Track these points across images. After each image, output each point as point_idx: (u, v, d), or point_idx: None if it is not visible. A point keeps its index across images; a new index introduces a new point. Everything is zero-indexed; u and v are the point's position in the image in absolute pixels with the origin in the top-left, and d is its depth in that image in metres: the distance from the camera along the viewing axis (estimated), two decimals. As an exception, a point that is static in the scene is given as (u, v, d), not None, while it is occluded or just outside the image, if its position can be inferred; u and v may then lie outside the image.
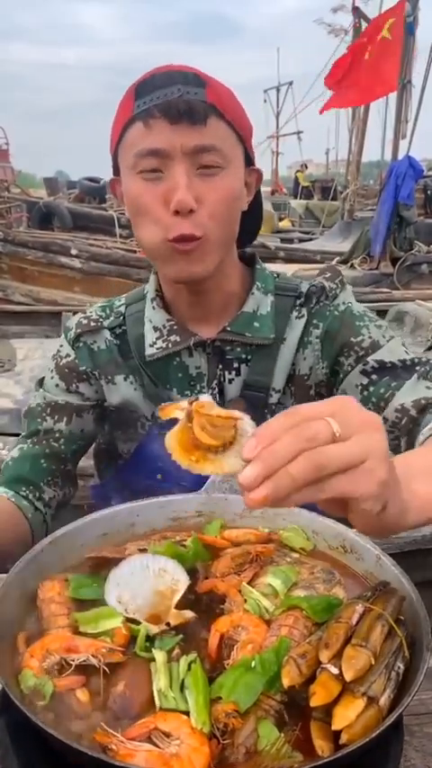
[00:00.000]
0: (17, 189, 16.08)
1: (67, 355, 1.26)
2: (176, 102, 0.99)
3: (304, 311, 1.20)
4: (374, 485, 0.60)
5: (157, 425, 1.22)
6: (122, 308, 1.27)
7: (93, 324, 1.25)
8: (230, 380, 1.19)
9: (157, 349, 1.18)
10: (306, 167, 23.53)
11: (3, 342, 5.51)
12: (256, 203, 1.20)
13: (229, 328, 1.16)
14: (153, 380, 1.21)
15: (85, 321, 1.26)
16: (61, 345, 1.28)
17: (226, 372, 1.19)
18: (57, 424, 1.22)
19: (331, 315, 1.19)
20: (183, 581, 0.83)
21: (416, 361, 1.14)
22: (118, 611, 0.79)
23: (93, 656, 0.70)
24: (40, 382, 1.29)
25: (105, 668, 0.70)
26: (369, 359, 1.14)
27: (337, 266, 8.74)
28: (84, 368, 1.24)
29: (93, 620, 0.78)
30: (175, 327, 1.18)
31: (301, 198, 20.29)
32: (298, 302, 1.21)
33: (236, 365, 1.19)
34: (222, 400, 1.19)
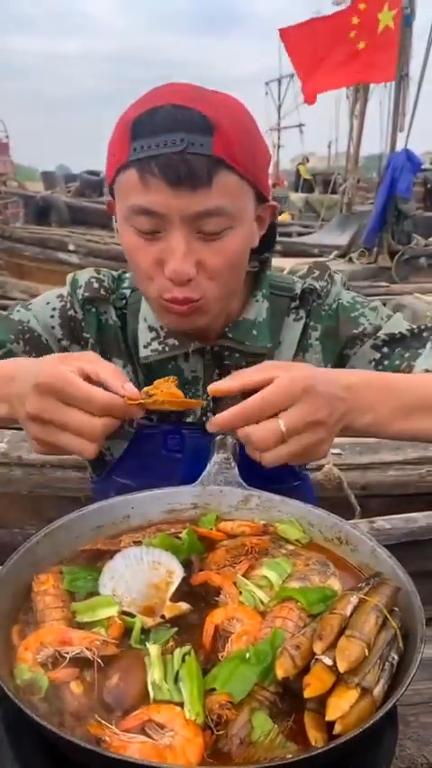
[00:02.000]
0: (15, 183, 16.04)
1: (75, 310, 1.16)
2: (177, 162, 0.88)
3: (302, 313, 1.19)
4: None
5: (146, 426, 1.18)
6: (126, 292, 1.19)
7: (103, 292, 1.17)
8: None
9: (152, 351, 1.13)
10: (308, 160, 23.48)
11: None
12: (271, 230, 1.13)
13: (230, 335, 1.13)
14: (147, 378, 1.17)
15: (96, 285, 1.17)
16: (70, 294, 1.17)
17: (222, 378, 1.16)
18: (23, 355, 1.12)
19: (326, 314, 1.18)
20: (177, 573, 0.83)
21: (422, 327, 1.15)
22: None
23: (87, 648, 0.70)
24: (26, 305, 1.19)
25: (99, 661, 0.70)
26: (378, 333, 1.14)
27: (336, 260, 8.76)
28: (87, 335, 1.17)
29: (90, 608, 0.78)
30: (173, 330, 1.12)
31: (302, 191, 20.26)
32: (293, 304, 1.19)
33: (233, 371, 1.15)
34: (216, 405, 1.14)
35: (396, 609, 0.74)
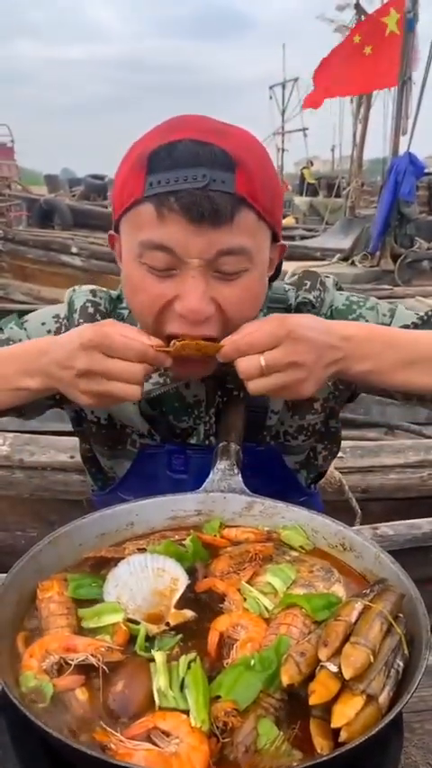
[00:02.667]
0: (19, 186, 16.09)
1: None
2: (200, 198, 0.85)
3: None
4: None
5: (151, 446, 1.17)
6: (125, 313, 1.16)
7: (98, 317, 1.13)
8: None
9: (153, 384, 1.11)
10: (312, 164, 23.48)
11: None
12: (276, 269, 1.11)
13: None
14: (150, 404, 1.15)
15: (91, 310, 1.13)
16: (65, 318, 1.15)
17: (225, 399, 1.15)
18: None
19: None
20: (182, 580, 0.83)
21: (429, 313, 1.13)
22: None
23: (92, 655, 0.70)
24: (20, 323, 1.16)
25: (105, 668, 0.70)
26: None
27: (338, 263, 8.74)
28: None
29: (96, 614, 0.78)
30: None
31: (306, 195, 20.26)
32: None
33: (235, 393, 1.14)
34: (219, 421, 1.15)
35: (401, 615, 0.74)
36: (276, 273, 1.12)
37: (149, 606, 0.80)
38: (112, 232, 1.04)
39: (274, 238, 1.01)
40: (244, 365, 0.91)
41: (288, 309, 1.16)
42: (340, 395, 1.20)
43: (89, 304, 1.14)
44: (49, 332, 1.15)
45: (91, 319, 1.12)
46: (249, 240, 0.92)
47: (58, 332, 1.14)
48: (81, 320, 1.12)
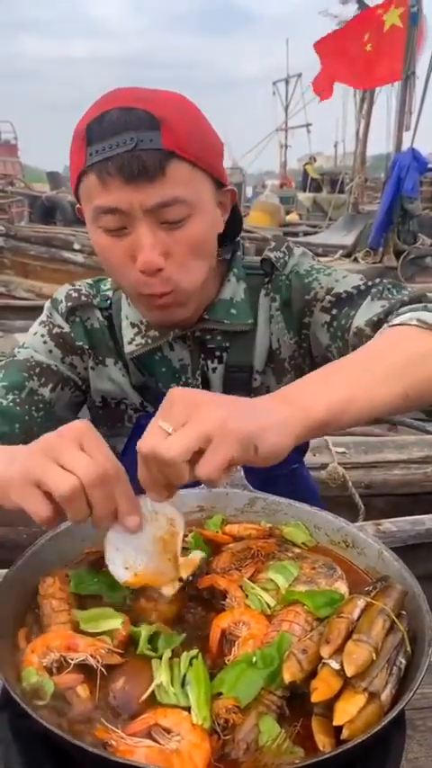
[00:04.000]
0: (21, 183, 16.09)
1: (60, 326, 1.20)
2: (130, 159, 0.93)
3: (270, 287, 1.20)
4: (224, 460, 0.66)
5: (146, 415, 1.20)
6: (109, 293, 1.24)
7: (84, 298, 1.21)
8: (213, 369, 1.20)
9: (137, 345, 1.17)
10: (315, 160, 23.45)
11: (7, 336, 5.51)
12: (234, 214, 1.16)
13: (207, 317, 1.15)
14: (140, 371, 1.20)
15: (75, 294, 1.22)
16: (50, 314, 1.22)
17: (209, 362, 1.19)
18: (42, 388, 1.15)
19: (283, 284, 1.19)
20: (178, 520, 0.81)
21: (369, 284, 1.12)
22: (126, 578, 0.79)
23: (91, 656, 0.70)
24: (22, 345, 1.21)
25: (103, 670, 0.69)
26: (326, 296, 1.13)
27: (341, 260, 8.73)
28: (80, 343, 1.20)
29: (93, 619, 0.77)
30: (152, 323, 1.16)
31: (309, 191, 20.24)
32: (266, 280, 1.20)
33: (217, 353, 1.19)
34: (208, 389, 1.19)
35: (403, 612, 0.74)
36: (236, 218, 1.17)
37: (157, 559, 0.79)
38: (78, 205, 1.10)
39: (221, 185, 1.07)
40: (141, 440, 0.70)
41: (265, 274, 1.20)
42: (305, 351, 1.22)
43: (72, 291, 1.23)
44: (42, 336, 1.20)
45: (76, 302, 1.21)
46: (185, 189, 0.98)
47: (49, 333, 1.20)
48: (69, 304, 1.21)
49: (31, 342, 1.21)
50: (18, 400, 1.12)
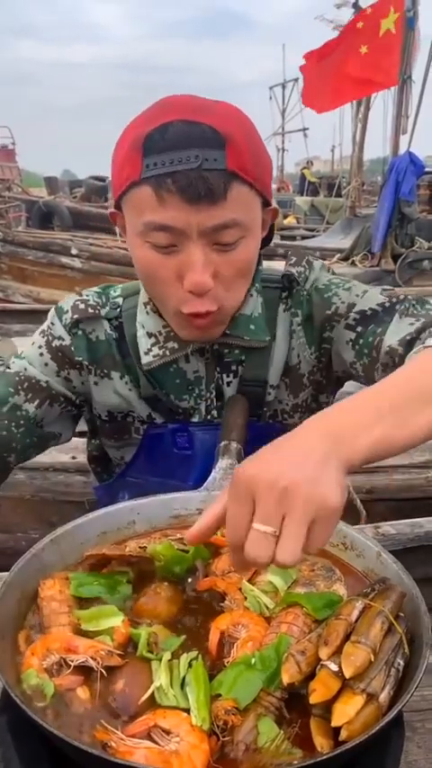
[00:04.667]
0: (18, 188, 16.10)
1: (61, 338, 1.17)
2: (195, 179, 0.90)
3: (290, 302, 1.19)
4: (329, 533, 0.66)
5: (154, 426, 1.19)
6: (119, 300, 1.20)
7: (91, 311, 1.17)
8: (228, 383, 1.18)
9: (154, 357, 1.14)
10: (312, 164, 23.50)
11: (5, 340, 5.50)
12: (269, 230, 1.16)
13: (228, 332, 1.13)
14: (151, 383, 1.17)
15: (82, 306, 1.18)
16: (52, 324, 1.19)
17: (224, 375, 1.17)
18: (27, 404, 1.13)
19: (304, 299, 1.18)
20: None
21: (393, 300, 1.12)
22: None
23: (92, 658, 0.70)
24: (19, 356, 1.19)
25: (103, 671, 0.69)
26: (350, 313, 1.13)
27: (338, 263, 8.74)
28: (80, 358, 1.17)
29: (94, 617, 0.78)
30: (172, 333, 1.12)
31: (307, 194, 20.26)
32: (284, 295, 1.20)
33: (233, 367, 1.17)
34: (221, 402, 1.18)
35: (402, 614, 0.74)
36: (270, 235, 1.17)
37: None
38: (112, 210, 1.08)
39: (266, 203, 1.06)
40: (247, 550, 0.65)
41: (282, 288, 1.20)
42: (324, 366, 1.21)
43: (79, 302, 1.18)
44: (39, 347, 1.18)
45: (83, 314, 1.17)
46: (243, 212, 0.97)
47: (48, 344, 1.17)
48: (75, 316, 1.17)
49: (28, 353, 1.18)
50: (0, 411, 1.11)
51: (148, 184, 0.93)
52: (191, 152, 0.90)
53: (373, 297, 1.14)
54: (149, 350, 1.14)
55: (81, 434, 1.34)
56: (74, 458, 2.31)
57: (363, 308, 1.12)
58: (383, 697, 0.65)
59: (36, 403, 1.14)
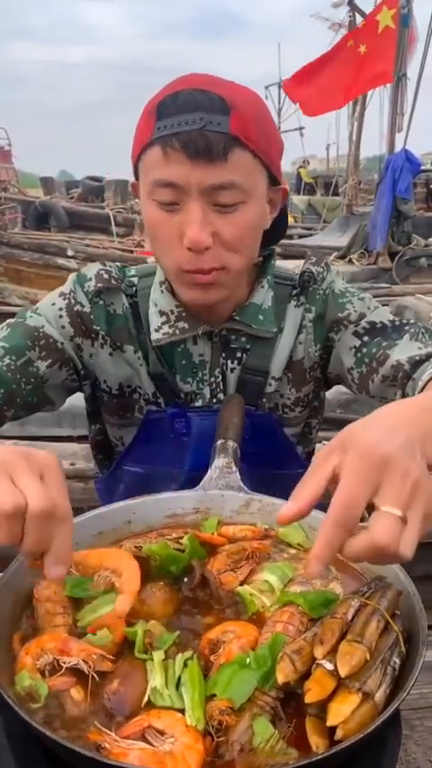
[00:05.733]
0: (15, 189, 16.08)
1: (82, 304, 1.18)
2: (197, 136, 0.96)
3: (302, 299, 1.23)
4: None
5: (153, 411, 1.21)
6: (134, 279, 1.23)
7: (114, 282, 1.20)
8: (232, 369, 1.21)
9: (164, 334, 1.17)
10: (308, 163, 23.50)
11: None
12: (282, 215, 1.19)
13: (237, 318, 1.17)
14: (160, 361, 1.19)
15: (105, 275, 1.20)
16: (74, 290, 1.19)
17: (228, 361, 1.20)
18: (39, 361, 1.12)
19: (320, 298, 1.22)
20: None
21: (404, 322, 1.17)
22: None
23: (84, 661, 0.70)
24: (35, 310, 1.18)
25: (95, 675, 0.69)
26: (360, 321, 1.17)
27: (335, 262, 8.75)
28: (97, 327, 1.18)
29: (90, 612, 0.79)
30: (183, 314, 1.16)
31: (303, 193, 20.30)
32: (294, 291, 1.23)
33: (238, 354, 1.20)
34: (224, 388, 1.20)
35: (398, 613, 0.74)
36: (284, 220, 1.21)
37: None
38: (134, 181, 1.12)
39: (275, 182, 1.10)
40: (378, 533, 0.61)
41: (294, 285, 1.23)
42: (322, 364, 1.26)
43: (103, 272, 1.21)
44: (60, 309, 1.18)
45: (106, 284, 1.19)
46: (243, 177, 1.00)
47: (69, 307, 1.18)
48: (99, 284, 1.19)
49: (46, 311, 1.18)
50: (13, 366, 1.10)
51: (158, 144, 0.99)
52: (197, 115, 0.96)
53: (384, 313, 1.20)
54: (159, 327, 1.17)
55: (82, 439, 1.33)
56: (73, 464, 2.30)
57: (373, 320, 1.17)
58: (379, 696, 0.64)
59: (48, 362, 1.14)
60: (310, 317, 1.22)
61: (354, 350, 1.17)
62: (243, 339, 1.19)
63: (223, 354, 1.20)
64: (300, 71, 9.65)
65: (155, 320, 1.18)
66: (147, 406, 1.24)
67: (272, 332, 1.19)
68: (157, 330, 1.17)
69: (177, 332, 1.16)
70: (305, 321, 1.22)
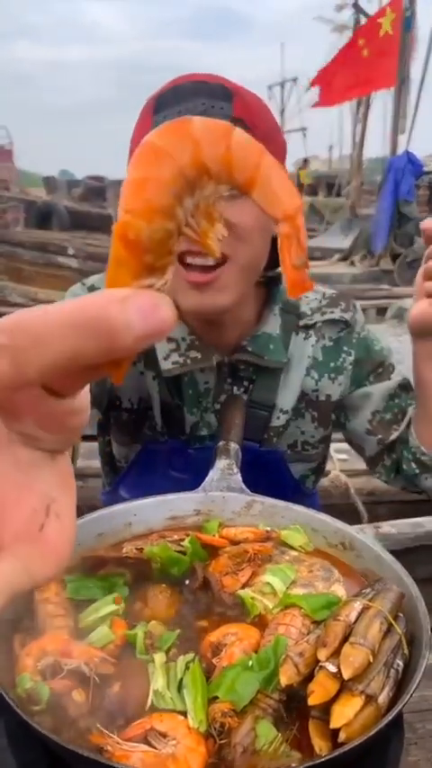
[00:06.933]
0: (16, 188, 16.09)
1: None
2: None
3: (311, 332, 1.21)
4: None
5: (154, 442, 1.19)
6: None
7: None
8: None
9: (174, 364, 1.11)
10: (308, 163, 23.49)
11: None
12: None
13: (249, 348, 1.13)
14: (170, 391, 1.16)
15: None
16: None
17: (234, 387, 1.17)
18: None
19: (357, 342, 1.24)
20: None
21: (407, 382, 1.24)
22: None
23: (85, 663, 0.70)
24: None
25: (96, 678, 0.69)
26: (398, 377, 1.24)
27: (337, 263, 8.74)
28: None
29: (91, 614, 0.78)
30: (196, 343, 1.11)
31: (305, 195, 20.27)
32: (301, 323, 1.21)
33: (245, 383, 1.17)
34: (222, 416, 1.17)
35: (401, 615, 0.74)
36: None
37: None
38: None
39: None
40: None
41: (299, 316, 1.21)
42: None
43: None
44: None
45: None
46: None
47: None
48: None
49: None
50: None
51: None
52: (198, 101, 0.93)
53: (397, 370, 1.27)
54: (168, 356, 1.12)
55: (85, 437, 1.33)
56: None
57: (405, 380, 1.23)
58: (382, 698, 0.64)
59: None
60: (350, 359, 1.23)
61: (386, 398, 1.22)
62: (252, 369, 1.16)
63: (229, 380, 1.17)
64: (324, 70, 9.78)
65: (162, 348, 1.12)
66: (152, 433, 1.20)
67: (282, 363, 1.16)
68: (165, 358, 1.12)
69: (189, 361, 1.11)
70: (345, 363, 1.22)
